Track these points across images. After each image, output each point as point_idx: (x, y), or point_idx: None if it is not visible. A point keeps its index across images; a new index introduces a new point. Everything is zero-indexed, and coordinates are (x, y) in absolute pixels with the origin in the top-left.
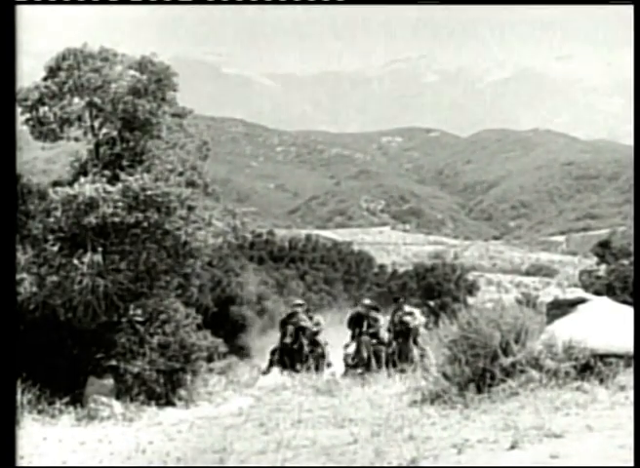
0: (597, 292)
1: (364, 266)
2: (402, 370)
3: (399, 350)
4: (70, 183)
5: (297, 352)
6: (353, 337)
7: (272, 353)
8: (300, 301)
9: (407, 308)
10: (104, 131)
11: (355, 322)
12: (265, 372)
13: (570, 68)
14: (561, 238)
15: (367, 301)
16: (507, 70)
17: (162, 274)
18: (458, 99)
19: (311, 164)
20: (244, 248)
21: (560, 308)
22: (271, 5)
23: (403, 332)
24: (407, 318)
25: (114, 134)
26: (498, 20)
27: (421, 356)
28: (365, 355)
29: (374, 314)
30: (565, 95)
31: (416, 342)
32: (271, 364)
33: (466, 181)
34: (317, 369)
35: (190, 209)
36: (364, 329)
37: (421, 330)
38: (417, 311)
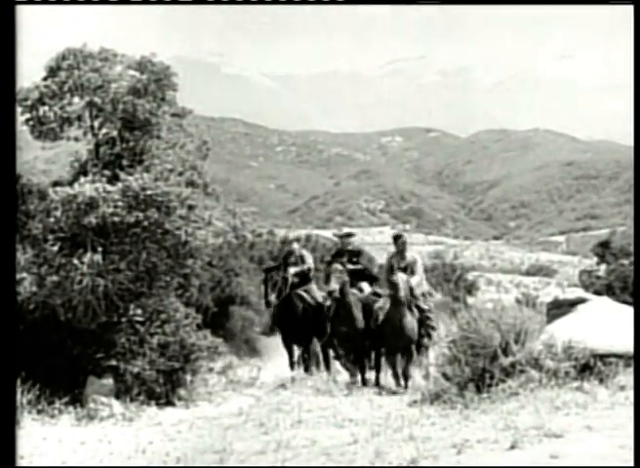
0: (597, 292)
1: None
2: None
3: (387, 314)
4: (70, 183)
5: (289, 316)
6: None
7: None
8: (296, 235)
9: (409, 256)
10: (104, 131)
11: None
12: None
13: (570, 68)
14: (561, 238)
15: (346, 230)
16: (507, 70)
17: (162, 274)
18: (458, 99)
19: (311, 164)
20: (244, 248)
21: (560, 308)
22: (271, 5)
23: (392, 290)
24: (398, 278)
25: (114, 133)
26: (498, 20)
27: (427, 329)
28: (335, 287)
29: (360, 248)
30: (565, 95)
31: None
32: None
33: (466, 181)
34: (328, 367)
35: (190, 208)
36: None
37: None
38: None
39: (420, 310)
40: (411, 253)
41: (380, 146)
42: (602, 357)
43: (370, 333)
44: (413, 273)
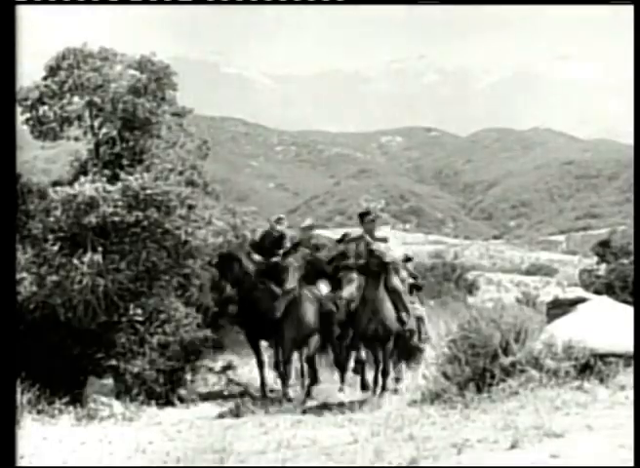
0: (597, 292)
1: None
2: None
3: (363, 296)
4: (70, 183)
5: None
6: None
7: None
8: (280, 216)
9: (380, 235)
10: (104, 130)
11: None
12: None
13: (570, 68)
14: (561, 237)
15: (308, 222)
16: (507, 70)
17: (162, 273)
18: (458, 99)
19: (311, 163)
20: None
21: (560, 307)
22: (271, 5)
23: (372, 271)
24: (379, 246)
25: (114, 133)
26: (498, 20)
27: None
28: (292, 285)
29: (323, 243)
30: (565, 95)
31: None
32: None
33: (466, 181)
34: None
35: (190, 208)
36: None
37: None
38: (393, 239)
39: (397, 292)
40: (381, 233)
41: (381, 146)
42: (602, 356)
43: (324, 335)
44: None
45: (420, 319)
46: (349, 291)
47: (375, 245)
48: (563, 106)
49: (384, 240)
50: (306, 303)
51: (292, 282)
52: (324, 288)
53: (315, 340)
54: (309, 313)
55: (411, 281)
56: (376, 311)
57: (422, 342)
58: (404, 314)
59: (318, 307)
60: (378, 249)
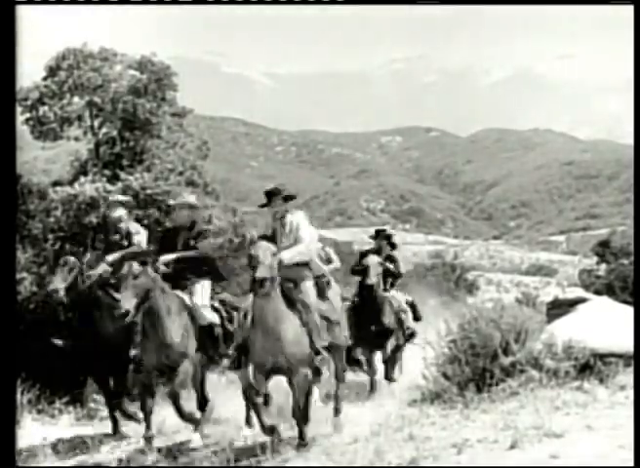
0: (597, 292)
1: None
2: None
3: (254, 315)
4: (70, 183)
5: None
6: None
7: None
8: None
9: (292, 220)
10: (104, 130)
11: None
12: None
13: (570, 68)
14: (561, 237)
15: (187, 197)
16: (507, 70)
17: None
18: (458, 99)
19: (311, 164)
20: (244, 247)
21: (560, 308)
22: (271, 5)
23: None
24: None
25: (114, 133)
26: (498, 20)
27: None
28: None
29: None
30: (565, 95)
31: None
32: None
33: (466, 181)
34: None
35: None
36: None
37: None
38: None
39: (306, 306)
40: (295, 217)
41: (380, 146)
42: (602, 357)
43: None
44: (297, 242)
45: (400, 312)
46: (245, 303)
47: (254, 246)
48: (563, 106)
49: (296, 228)
50: (170, 317)
51: (128, 300)
52: (199, 290)
53: (185, 368)
54: (174, 331)
55: (390, 266)
56: (270, 337)
57: (407, 337)
58: (317, 338)
59: (190, 320)
60: (255, 253)
